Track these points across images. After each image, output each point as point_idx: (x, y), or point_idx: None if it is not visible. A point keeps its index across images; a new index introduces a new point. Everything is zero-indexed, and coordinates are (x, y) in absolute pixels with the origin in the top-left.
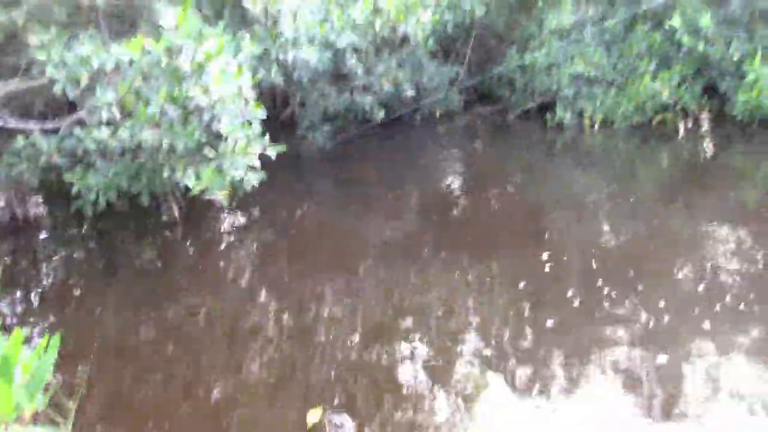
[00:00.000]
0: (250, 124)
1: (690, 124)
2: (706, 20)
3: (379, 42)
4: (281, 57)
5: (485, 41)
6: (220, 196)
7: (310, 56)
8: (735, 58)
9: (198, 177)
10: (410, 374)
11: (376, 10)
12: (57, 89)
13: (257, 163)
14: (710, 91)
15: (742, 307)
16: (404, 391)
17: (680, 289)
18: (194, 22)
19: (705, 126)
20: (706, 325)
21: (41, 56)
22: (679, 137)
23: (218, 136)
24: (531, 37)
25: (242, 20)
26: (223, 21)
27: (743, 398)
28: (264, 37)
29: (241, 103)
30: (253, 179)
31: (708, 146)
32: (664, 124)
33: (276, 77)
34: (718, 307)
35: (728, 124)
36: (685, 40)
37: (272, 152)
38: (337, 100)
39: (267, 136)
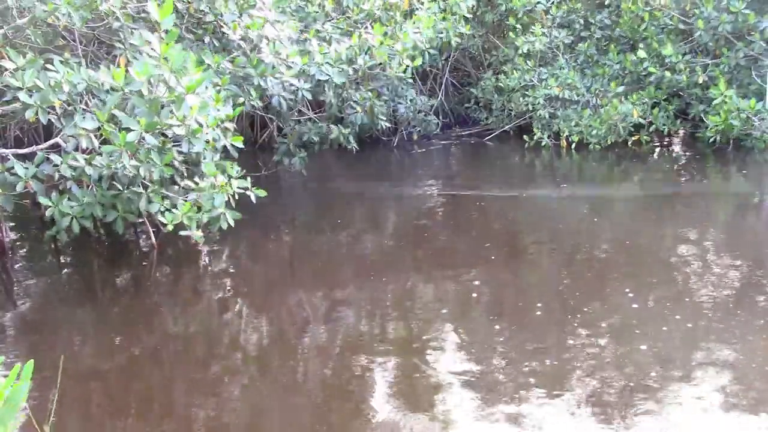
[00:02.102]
0: (234, 158)
1: (664, 145)
2: (668, 50)
3: (360, 74)
4: (261, 84)
5: (462, 64)
6: (196, 234)
7: (290, 84)
8: (701, 81)
9: (172, 211)
10: (392, 397)
11: (361, 48)
12: (29, 115)
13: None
14: (684, 112)
15: (714, 325)
16: (384, 415)
17: (650, 306)
18: (179, 54)
19: (679, 146)
20: (678, 345)
21: (14, 82)
22: (654, 158)
23: (196, 164)
24: (506, 60)
25: (222, 45)
26: (186, 46)
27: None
28: (244, 63)
29: (220, 132)
30: (230, 218)
31: (681, 166)
32: (639, 144)
33: (255, 102)
34: (689, 326)
35: (701, 144)
36: (652, 69)
37: (253, 196)
38: (313, 127)
39: (249, 180)
